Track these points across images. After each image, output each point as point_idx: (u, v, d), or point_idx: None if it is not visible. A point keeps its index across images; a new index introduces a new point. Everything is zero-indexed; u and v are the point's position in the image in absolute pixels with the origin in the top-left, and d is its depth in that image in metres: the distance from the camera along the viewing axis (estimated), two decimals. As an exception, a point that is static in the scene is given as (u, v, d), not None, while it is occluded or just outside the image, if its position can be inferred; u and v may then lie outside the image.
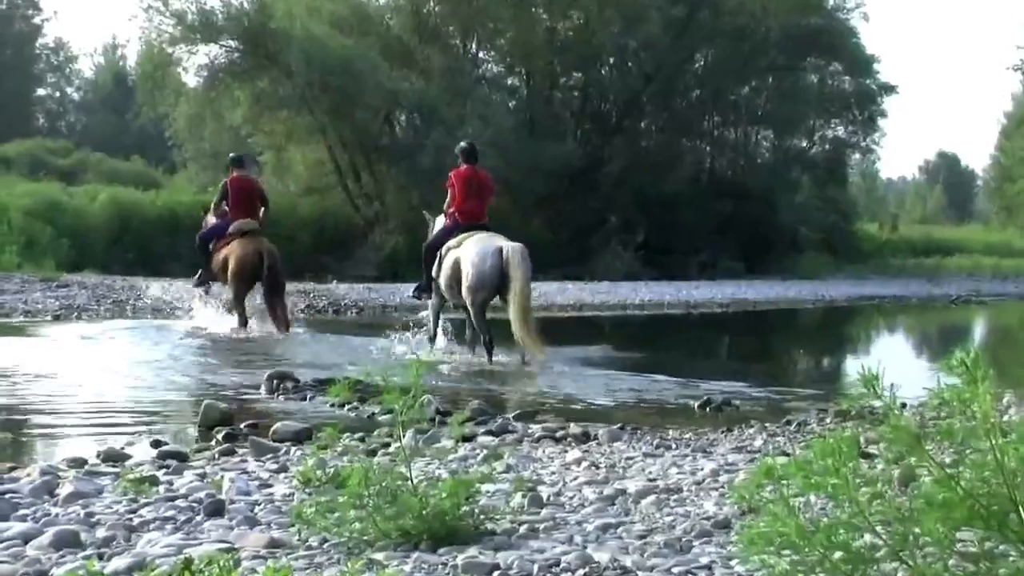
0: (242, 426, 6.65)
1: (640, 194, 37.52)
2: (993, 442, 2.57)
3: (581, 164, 36.56)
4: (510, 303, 10.99)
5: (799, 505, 2.79)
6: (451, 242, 11.63)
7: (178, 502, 4.34)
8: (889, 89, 44.84)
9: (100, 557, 3.54)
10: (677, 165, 41.10)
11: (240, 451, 5.82)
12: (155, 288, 17.45)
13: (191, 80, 36.73)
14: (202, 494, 4.46)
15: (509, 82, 42.20)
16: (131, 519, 4.07)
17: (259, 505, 4.35)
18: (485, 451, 5.62)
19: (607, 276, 31.79)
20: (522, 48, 38.60)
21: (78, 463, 5.32)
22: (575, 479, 4.98)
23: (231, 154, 16.57)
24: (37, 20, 65.37)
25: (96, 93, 68.36)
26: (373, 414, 7.18)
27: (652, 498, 4.49)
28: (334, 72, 32.52)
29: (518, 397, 8.67)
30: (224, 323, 14.38)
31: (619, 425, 6.82)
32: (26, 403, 7.82)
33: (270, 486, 4.77)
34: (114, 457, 5.54)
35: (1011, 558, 2.63)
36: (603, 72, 41.43)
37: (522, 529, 3.90)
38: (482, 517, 3.86)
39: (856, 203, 54.01)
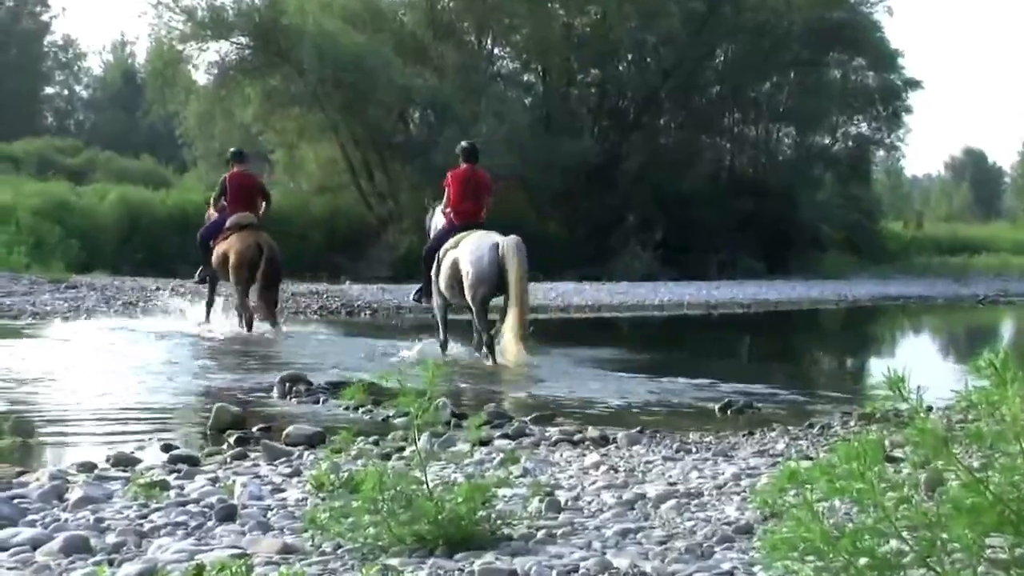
0: (254, 429, 6.66)
1: (659, 192, 37.44)
2: (1023, 445, 2.56)
3: (598, 161, 36.48)
4: (507, 293, 11.14)
5: (823, 510, 2.78)
6: (448, 243, 11.80)
7: (189, 507, 4.35)
8: (914, 84, 44.66)
9: (110, 563, 3.55)
10: (696, 162, 40.99)
11: (252, 455, 5.83)
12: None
13: (201, 77, 36.81)
14: (214, 499, 4.47)
15: (525, 79, 42.14)
16: (142, 524, 4.08)
17: (272, 510, 4.35)
18: (502, 455, 5.62)
19: (625, 276, 31.74)
20: (538, 44, 38.55)
21: (87, 467, 5.33)
22: (593, 483, 4.97)
23: (231, 149, 16.72)
24: (45, 17, 65.55)
25: (105, 91, 68.53)
26: (387, 417, 7.19)
27: (672, 503, 4.48)
28: (347, 69, 32.53)
29: (535, 400, 8.66)
30: (226, 323, 14.52)
31: (638, 428, 6.82)
32: (34, 406, 7.85)
33: (283, 491, 4.77)
34: (124, 461, 5.55)
35: (1041, 564, 2.62)
36: (621, 68, 41.34)
37: (540, 534, 3.89)
38: (499, 522, 3.86)
39: (880, 201, 53.78)
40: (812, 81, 43.37)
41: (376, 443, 6.11)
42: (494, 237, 11.45)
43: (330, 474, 4.41)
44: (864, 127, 46.23)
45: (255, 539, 3.81)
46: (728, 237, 37.41)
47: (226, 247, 14.31)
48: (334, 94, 33.59)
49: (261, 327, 14.26)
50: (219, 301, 15.30)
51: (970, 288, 34.21)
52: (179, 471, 5.25)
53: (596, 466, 5.45)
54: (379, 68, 33.18)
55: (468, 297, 11.40)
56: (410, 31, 37.81)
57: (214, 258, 14.56)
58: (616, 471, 5.34)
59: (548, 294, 24.81)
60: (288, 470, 5.31)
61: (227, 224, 14.52)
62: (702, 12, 38.83)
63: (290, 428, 6.47)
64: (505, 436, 6.56)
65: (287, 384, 8.70)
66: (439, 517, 3.64)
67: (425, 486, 3.74)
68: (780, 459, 5.61)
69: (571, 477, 5.17)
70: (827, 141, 46.36)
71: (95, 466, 5.39)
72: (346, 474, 4.31)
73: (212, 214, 15.22)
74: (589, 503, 4.55)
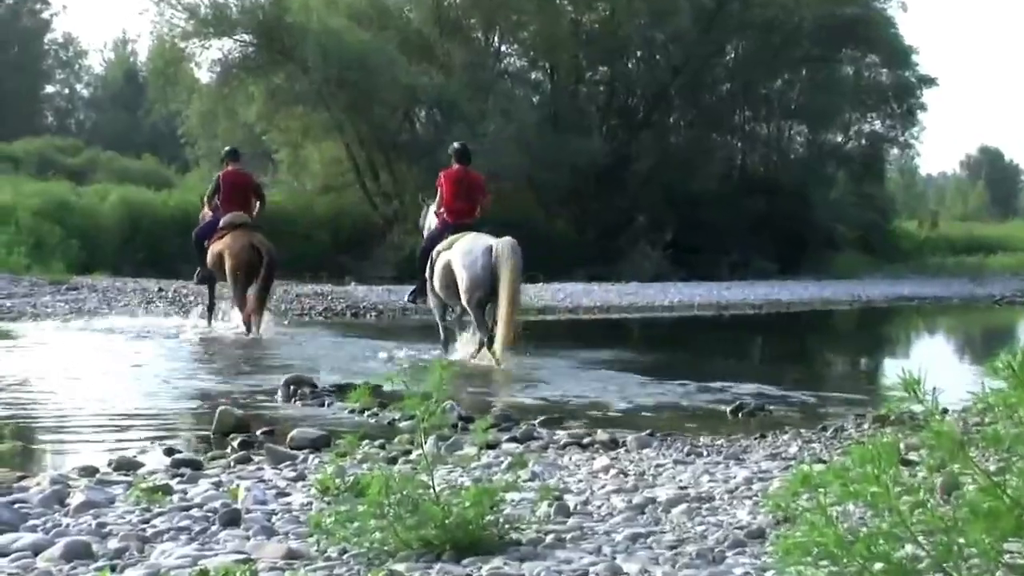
0: (258, 433, 6.67)
1: (669, 192, 37.44)
2: (1041, 448, 2.55)
3: (607, 161, 36.47)
4: (499, 294, 11.18)
5: (837, 514, 2.77)
6: (441, 245, 11.90)
7: (193, 512, 4.35)
8: (929, 81, 44.61)
9: (112, 569, 3.55)
10: (707, 161, 40.98)
11: (256, 459, 5.83)
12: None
13: (204, 76, 36.88)
14: (217, 503, 4.47)
15: (533, 76, 42.14)
16: (144, 529, 4.08)
17: (276, 515, 4.36)
18: (509, 458, 5.61)
19: (635, 277, 31.70)
20: (546, 41, 38.55)
21: (89, 472, 5.34)
22: (603, 487, 4.97)
23: (226, 147, 16.85)
24: (45, 15, 65.64)
25: (106, 90, 68.65)
26: (394, 420, 7.19)
27: (683, 507, 4.48)
28: (351, 67, 32.54)
29: (543, 402, 8.66)
30: (228, 325, 14.60)
31: (648, 431, 6.81)
32: (35, 410, 7.87)
33: (287, 495, 4.78)
34: (126, 465, 5.56)
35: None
36: (630, 66, 41.33)
37: (548, 539, 3.89)
38: (507, 527, 3.86)
39: (894, 200, 53.74)
40: (824, 78, 43.32)
41: (382, 446, 6.11)
42: (488, 240, 11.52)
43: (335, 478, 4.40)
44: (878, 125, 46.19)
45: (259, 544, 3.81)
46: (739, 237, 37.38)
47: (221, 247, 14.40)
48: (339, 93, 33.62)
49: (262, 329, 14.33)
50: (220, 303, 15.35)
51: (986, 288, 34.14)
52: (182, 475, 5.25)
53: (606, 470, 5.45)
54: (384, 66, 33.21)
55: (464, 301, 11.50)
56: (416, 28, 37.83)
57: (209, 258, 14.66)
58: (626, 475, 5.33)
59: (556, 295, 24.81)
60: (293, 474, 5.31)
61: (221, 224, 14.63)
62: (711, 8, 38.83)
63: (294, 431, 6.47)
64: (513, 439, 6.56)
65: (291, 387, 8.70)
66: (446, 522, 3.64)
67: (432, 490, 3.74)
68: (793, 462, 5.60)
69: (580, 481, 5.17)
70: (840, 139, 46.33)
71: (97, 470, 5.40)
72: (352, 478, 4.31)
73: (207, 213, 15.33)
74: (599, 507, 4.55)
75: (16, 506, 4.40)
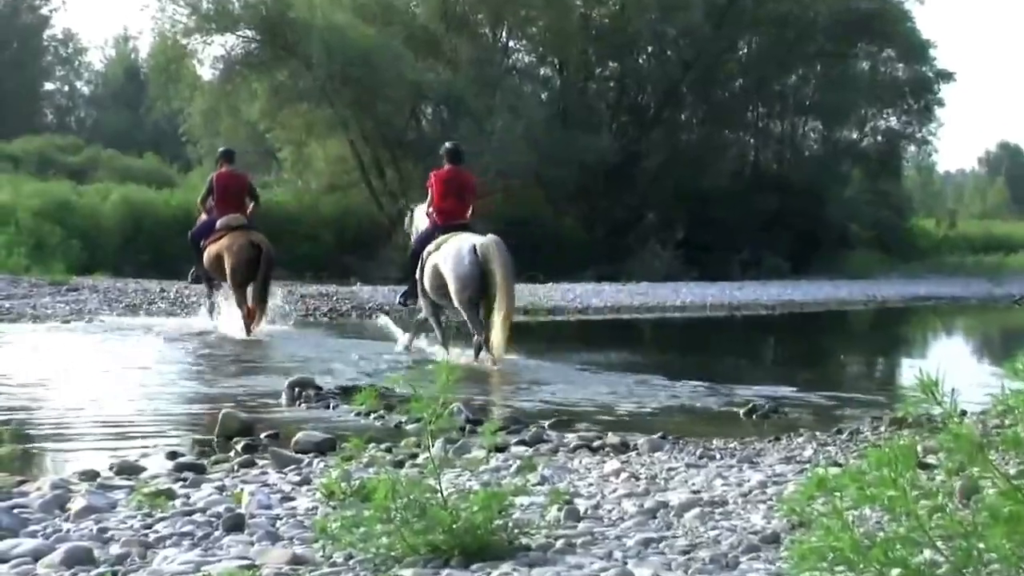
0: (262, 436, 6.67)
1: (680, 189, 37.44)
2: (1062, 451, 2.54)
3: (617, 158, 36.48)
4: (494, 297, 11.28)
5: (853, 519, 2.77)
6: (431, 246, 12.04)
7: (196, 517, 4.36)
8: (946, 76, 44.55)
9: (114, 575, 3.55)
10: (719, 159, 40.98)
11: (260, 463, 5.84)
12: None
13: (206, 73, 36.96)
14: (221, 508, 4.48)
15: (541, 72, 42.18)
16: (146, 535, 4.09)
17: (281, 519, 4.36)
18: (518, 462, 5.62)
19: (645, 276, 31.72)
20: (555, 36, 38.58)
21: (90, 476, 5.34)
22: (614, 491, 4.97)
23: (220, 148, 17.02)
24: (45, 11, 65.82)
25: (107, 87, 68.80)
26: (400, 423, 7.19)
27: (696, 511, 4.48)
28: (356, 63, 32.58)
29: (552, 404, 8.66)
30: (231, 326, 14.67)
31: (660, 434, 6.81)
32: (35, 413, 7.87)
33: (292, 499, 4.78)
34: (128, 469, 5.57)
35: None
36: (640, 61, 41.34)
37: (558, 544, 3.89)
38: (516, 531, 3.86)
39: (911, 198, 53.63)
40: (839, 73, 43.27)
41: (388, 450, 6.11)
42: (474, 239, 11.65)
43: (341, 482, 4.40)
44: (894, 121, 46.16)
45: (264, 549, 3.81)
46: (752, 236, 37.36)
47: (218, 248, 14.56)
48: (343, 89, 33.64)
49: (263, 329, 14.47)
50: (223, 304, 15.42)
51: (1005, 288, 34.05)
52: (185, 479, 5.26)
53: (616, 473, 5.44)
54: (390, 62, 33.23)
55: (456, 302, 11.64)
56: (422, 24, 37.86)
57: (206, 259, 14.84)
58: (637, 478, 5.33)
59: (566, 295, 24.82)
60: (297, 478, 5.32)
61: (218, 226, 14.79)
62: (723, 3, 38.85)
63: (299, 435, 6.47)
64: (522, 442, 6.56)
65: (295, 389, 8.70)
66: (454, 526, 3.64)
67: (439, 494, 3.74)
68: (808, 466, 5.60)
69: (591, 485, 5.16)
70: (855, 136, 46.29)
71: (98, 474, 5.41)
72: (357, 482, 4.31)
73: (202, 216, 15.50)
74: (609, 512, 4.55)
75: (16, 511, 4.40)
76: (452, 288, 11.53)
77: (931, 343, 19.77)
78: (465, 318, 11.67)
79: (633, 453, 6.26)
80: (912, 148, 48.60)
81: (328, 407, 8.17)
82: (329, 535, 3.72)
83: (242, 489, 4.90)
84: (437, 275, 11.76)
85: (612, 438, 6.62)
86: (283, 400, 8.56)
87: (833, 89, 42.55)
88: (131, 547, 3.85)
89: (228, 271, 14.34)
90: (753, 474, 5.42)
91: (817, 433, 7.09)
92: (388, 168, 35.92)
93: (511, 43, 40.58)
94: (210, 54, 35.96)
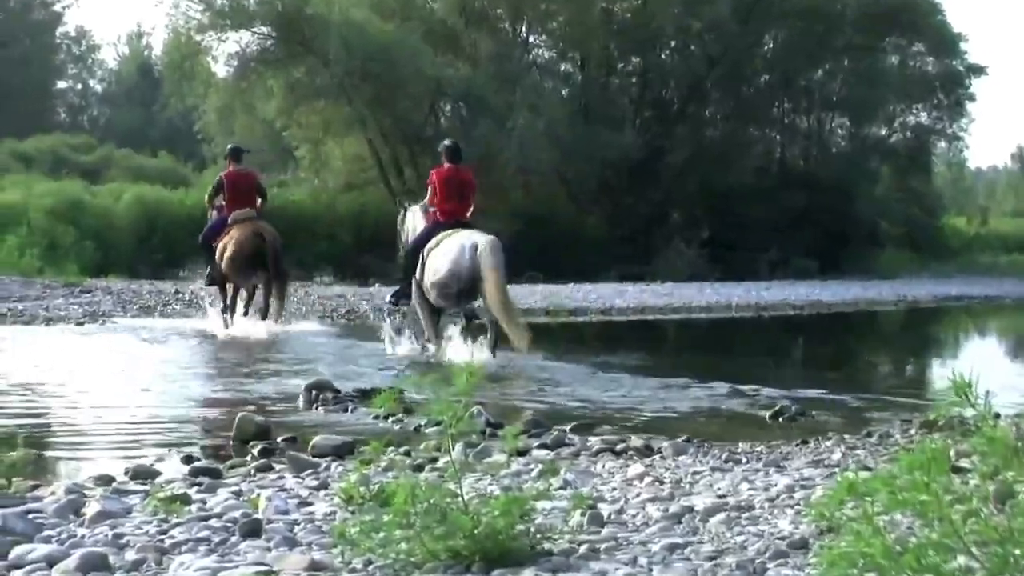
0: (279, 440, 6.68)
1: (704, 187, 37.42)
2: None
3: (640, 155, 36.46)
4: (487, 297, 11.54)
5: (884, 524, 2.76)
6: (431, 243, 12.21)
7: (212, 522, 4.36)
8: (978, 70, 44.40)
9: (130, 581, 3.56)
10: (744, 155, 40.91)
11: (277, 467, 5.84)
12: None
13: (221, 70, 37.07)
14: (237, 513, 4.48)
15: (562, 68, 42.19)
16: (162, 540, 4.09)
17: (298, 525, 4.36)
18: (540, 466, 5.61)
19: (669, 276, 31.71)
20: (576, 31, 38.59)
21: (105, 481, 5.36)
22: (638, 495, 4.96)
23: (228, 145, 17.16)
24: (57, 7, 66.00)
25: (120, 85, 69.02)
26: (419, 426, 7.19)
27: (722, 516, 4.47)
28: (374, 59, 32.62)
29: (574, 407, 8.65)
30: (249, 326, 14.80)
31: (684, 437, 6.80)
32: (48, 416, 7.91)
33: (310, 504, 4.78)
34: (143, 474, 5.58)
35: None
36: (664, 56, 41.31)
37: (582, 549, 3.88)
38: (538, 537, 3.85)
39: (941, 195, 53.47)
40: (867, 68, 43.11)
41: (408, 454, 6.12)
42: (473, 237, 11.82)
43: (360, 486, 4.41)
44: (924, 117, 46.02)
45: (281, 555, 3.81)
46: (778, 234, 37.30)
47: (226, 240, 14.86)
48: (361, 86, 33.69)
49: (278, 330, 14.61)
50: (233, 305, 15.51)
51: (1039, 287, 33.93)
52: (201, 484, 5.27)
53: (640, 477, 5.43)
54: (408, 58, 33.26)
55: (441, 295, 11.92)
56: (441, 19, 37.90)
57: (217, 255, 15.03)
58: (661, 483, 5.32)
59: (588, 295, 24.81)
60: (315, 482, 5.32)
61: (229, 221, 15.08)
62: (749, -4, 38.74)
63: (317, 438, 6.48)
64: (543, 446, 6.56)
65: (313, 392, 8.71)
66: (475, 532, 3.64)
67: (460, 499, 3.74)
68: (836, 470, 5.58)
69: (614, 489, 5.16)
70: (884, 132, 46.15)
71: (113, 479, 5.42)
72: (376, 486, 4.32)
73: (213, 216, 15.73)
74: (633, 516, 4.54)
75: (30, 516, 4.41)
76: (443, 280, 11.77)
77: (963, 344, 19.69)
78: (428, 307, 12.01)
79: (657, 457, 6.25)
80: (942, 144, 48.53)
81: (346, 410, 8.18)
82: (348, 540, 3.72)
83: (259, 494, 4.90)
84: (435, 270, 11.94)
85: (636, 441, 6.62)
86: (300, 403, 8.58)
87: (861, 84, 42.42)
88: (147, 553, 3.86)
89: (229, 260, 14.63)
90: (780, 478, 5.41)
91: (846, 436, 7.07)
92: (407, 166, 35.93)
93: (531, 38, 40.61)
94: (225, 51, 36.18)
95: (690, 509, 4.61)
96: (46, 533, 4.20)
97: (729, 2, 37.33)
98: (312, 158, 37.23)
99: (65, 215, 28.15)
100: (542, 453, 6.32)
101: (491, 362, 11.11)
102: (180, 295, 20.64)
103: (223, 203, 15.29)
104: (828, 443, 6.79)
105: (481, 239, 11.67)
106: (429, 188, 12.81)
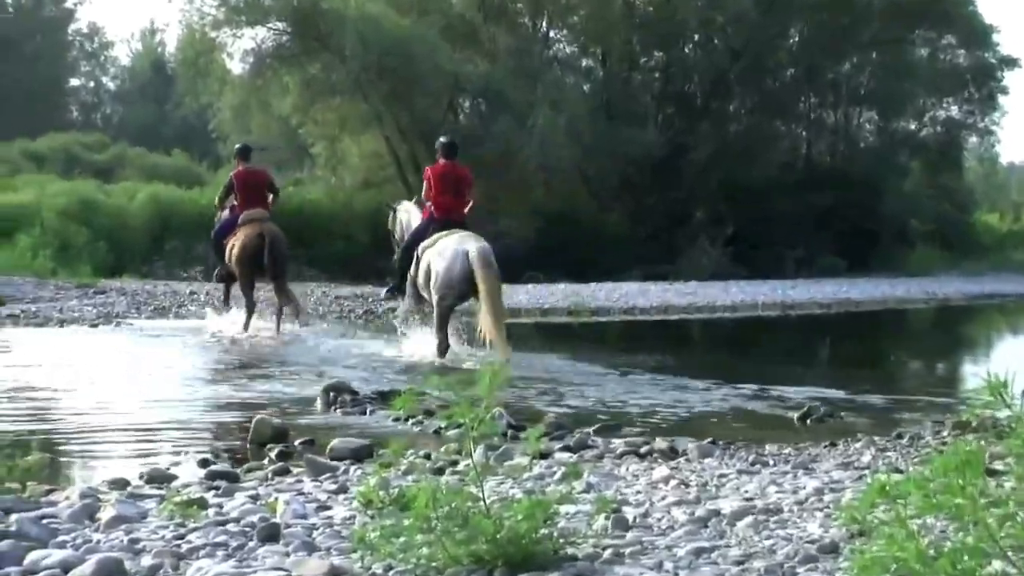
0: (296, 443, 6.69)
1: (729, 184, 37.28)
2: None
3: (663, 151, 36.39)
4: (481, 305, 11.71)
5: (917, 527, 2.75)
6: (426, 242, 12.38)
7: (229, 526, 4.37)
8: (1011, 63, 44.14)
9: (146, 587, 3.57)
10: (770, 151, 40.78)
11: (295, 470, 5.86)
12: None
13: (236, 67, 37.08)
14: (255, 517, 4.49)
15: (583, 63, 42.12)
16: (179, 545, 4.10)
17: (317, 529, 4.37)
18: (563, 468, 5.60)
19: (693, 275, 31.64)
20: (597, 25, 38.53)
21: (120, 485, 5.38)
22: (663, 499, 4.95)
23: (236, 144, 17.25)
24: (69, 4, 66.27)
25: (134, 82, 69.19)
26: (440, 429, 7.20)
27: (749, 520, 4.46)
28: (391, 55, 32.60)
29: (597, 409, 8.65)
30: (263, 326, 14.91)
31: (710, 439, 6.79)
32: (62, 420, 7.93)
33: (329, 508, 4.79)
34: (159, 478, 5.60)
35: None
36: (686, 50, 41.20)
37: (606, 554, 3.88)
38: (562, 541, 3.85)
39: (973, 191, 53.25)
40: (896, 61, 42.92)
41: (428, 456, 6.12)
42: (467, 243, 11.92)
43: (379, 490, 4.41)
44: (955, 110, 45.79)
45: (300, 560, 3.82)
46: (805, 232, 37.17)
47: (233, 240, 15.03)
48: (378, 82, 33.68)
49: (293, 330, 14.80)
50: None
51: (1075, 285, 33.74)
52: (217, 488, 5.28)
53: (665, 480, 5.43)
54: (426, 53, 33.23)
55: (433, 299, 12.04)
56: (459, 13, 37.87)
57: (227, 254, 15.22)
58: (687, 486, 5.32)
59: (611, 295, 24.80)
60: (334, 486, 5.33)
61: (240, 220, 15.17)
62: (774, -13, 38.62)
63: (335, 441, 6.49)
64: (566, 448, 6.56)
65: (331, 394, 8.73)
66: (497, 536, 3.63)
67: (482, 502, 3.74)
68: (866, 472, 5.57)
69: (639, 492, 5.15)
70: (913, 126, 45.95)
71: (128, 483, 5.44)
72: (396, 490, 4.32)
73: (224, 215, 15.88)
74: (659, 520, 4.53)
75: (45, 521, 4.43)
76: (435, 285, 11.91)
77: (997, 343, 19.59)
78: (436, 316, 12.02)
79: (682, 459, 6.24)
80: (974, 139, 48.31)
81: (364, 412, 8.19)
82: (367, 545, 3.72)
83: (276, 498, 4.91)
84: (428, 272, 12.10)
85: (660, 443, 6.61)
86: (318, 405, 8.60)
87: (889, 77, 42.24)
88: (163, 558, 3.87)
89: (233, 260, 14.86)
90: (809, 481, 5.40)
91: (875, 438, 7.05)
92: (425, 163, 35.86)
93: (551, 33, 40.57)
94: (240, 47, 36.17)
95: (717, 512, 4.60)
96: (61, 538, 4.21)
97: (753, -7, 37.21)
98: (328, 155, 37.24)
99: (78, 215, 28.20)
100: (565, 455, 6.32)
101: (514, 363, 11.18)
102: (195, 296, 20.69)
103: (235, 203, 15.39)
104: (857, 445, 6.77)
105: (473, 246, 11.78)
106: (424, 183, 13.01)
